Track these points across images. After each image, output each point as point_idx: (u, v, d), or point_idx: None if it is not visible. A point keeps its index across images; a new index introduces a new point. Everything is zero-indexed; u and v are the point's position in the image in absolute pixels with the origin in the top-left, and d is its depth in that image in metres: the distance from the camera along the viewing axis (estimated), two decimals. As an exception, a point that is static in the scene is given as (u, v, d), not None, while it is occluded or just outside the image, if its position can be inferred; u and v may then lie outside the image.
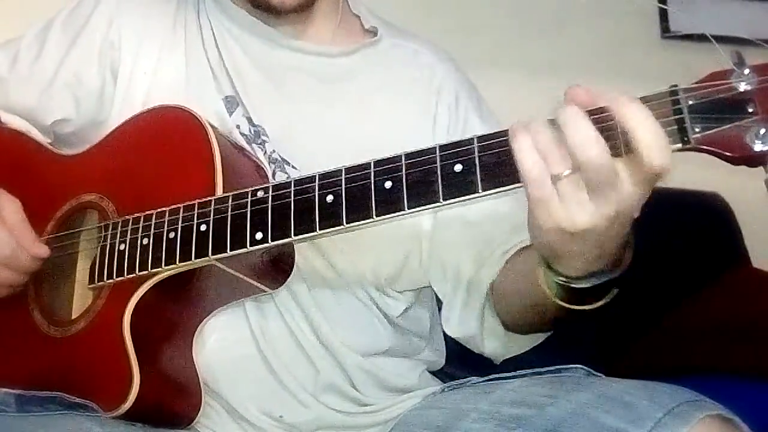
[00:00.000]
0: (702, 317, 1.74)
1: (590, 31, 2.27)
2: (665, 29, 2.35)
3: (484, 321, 1.11)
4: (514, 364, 1.10)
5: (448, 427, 0.99)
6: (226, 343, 1.06)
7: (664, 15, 2.35)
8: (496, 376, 1.05)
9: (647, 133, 0.74)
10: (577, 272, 0.85)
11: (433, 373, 1.21)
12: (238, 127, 1.11)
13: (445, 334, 1.21)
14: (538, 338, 1.12)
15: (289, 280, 1.05)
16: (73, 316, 1.04)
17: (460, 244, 1.12)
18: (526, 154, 0.77)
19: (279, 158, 1.10)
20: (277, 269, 1.03)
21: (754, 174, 0.77)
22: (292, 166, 1.10)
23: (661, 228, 1.93)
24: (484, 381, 1.06)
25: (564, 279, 0.87)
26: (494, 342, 1.12)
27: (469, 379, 1.08)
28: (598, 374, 0.99)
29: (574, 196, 0.77)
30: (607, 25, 2.28)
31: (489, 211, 1.09)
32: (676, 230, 1.96)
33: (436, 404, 1.08)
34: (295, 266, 1.05)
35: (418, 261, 1.15)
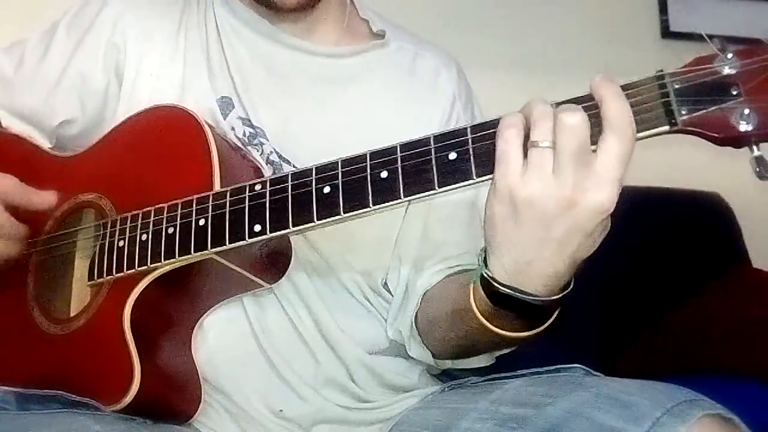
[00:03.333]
0: (702, 317, 1.74)
1: (590, 29, 2.27)
2: (665, 29, 2.35)
3: (412, 329, 1.11)
4: (513, 364, 1.10)
5: (447, 427, 0.99)
6: (225, 339, 1.06)
7: (663, 15, 2.36)
8: (496, 375, 1.05)
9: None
10: (505, 270, 0.84)
11: (433, 373, 1.21)
12: (232, 129, 1.11)
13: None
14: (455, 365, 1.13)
15: (286, 274, 1.05)
16: (72, 314, 1.04)
17: (413, 244, 1.13)
18: (509, 116, 0.80)
19: (277, 160, 1.10)
20: (275, 264, 1.04)
21: (754, 173, 0.77)
22: (293, 166, 1.09)
23: (661, 228, 1.94)
24: (483, 381, 1.06)
25: (489, 274, 0.85)
26: (418, 348, 1.12)
27: (468, 378, 1.09)
28: (598, 374, 0.99)
29: (539, 166, 0.78)
30: (607, 23, 2.29)
31: (448, 223, 1.11)
32: (676, 230, 1.96)
33: (435, 404, 1.08)
34: (294, 260, 1.05)
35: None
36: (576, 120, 0.76)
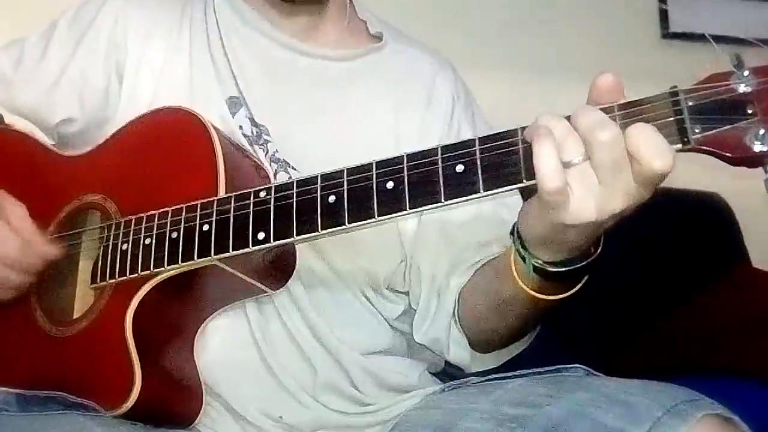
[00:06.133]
0: (702, 317, 1.74)
1: (590, 31, 2.27)
2: (665, 29, 2.36)
3: (451, 330, 1.11)
4: (514, 364, 1.10)
5: (448, 427, 0.99)
6: (227, 345, 1.06)
7: (664, 15, 2.36)
8: (496, 375, 1.05)
9: (648, 139, 0.75)
10: (557, 258, 0.88)
11: (434, 373, 1.21)
12: (240, 127, 1.11)
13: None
14: (501, 357, 1.13)
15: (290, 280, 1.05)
16: (75, 316, 1.04)
17: (437, 250, 1.12)
18: (545, 149, 0.77)
19: (281, 159, 1.10)
20: (279, 269, 1.04)
21: (754, 174, 0.77)
22: (292, 167, 1.10)
23: (661, 228, 1.94)
24: (484, 381, 1.06)
25: (540, 262, 0.89)
26: (459, 350, 1.12)
27: (469, 378, 1.09)
28: (598, 374, 0.99)
29: (585, 190, 0.78)
30: (607, 25, 2.29)
31: (467, 221, 1.11)
32: (676, 230, 1.96)
33: (436, 404, 1.08)
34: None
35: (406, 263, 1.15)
36: (610, 136, 0.76)
